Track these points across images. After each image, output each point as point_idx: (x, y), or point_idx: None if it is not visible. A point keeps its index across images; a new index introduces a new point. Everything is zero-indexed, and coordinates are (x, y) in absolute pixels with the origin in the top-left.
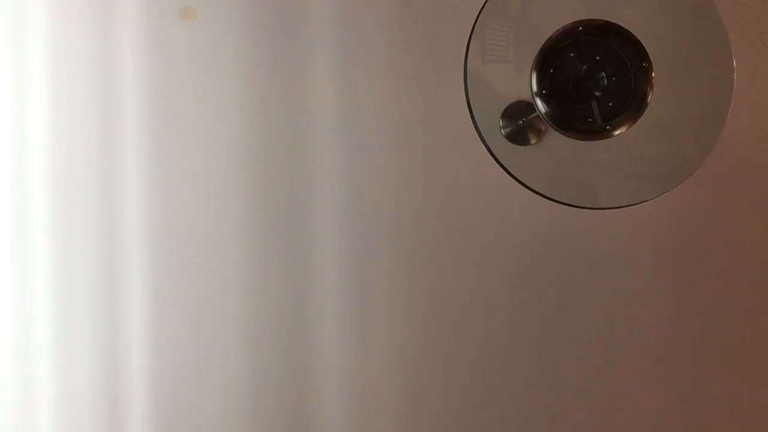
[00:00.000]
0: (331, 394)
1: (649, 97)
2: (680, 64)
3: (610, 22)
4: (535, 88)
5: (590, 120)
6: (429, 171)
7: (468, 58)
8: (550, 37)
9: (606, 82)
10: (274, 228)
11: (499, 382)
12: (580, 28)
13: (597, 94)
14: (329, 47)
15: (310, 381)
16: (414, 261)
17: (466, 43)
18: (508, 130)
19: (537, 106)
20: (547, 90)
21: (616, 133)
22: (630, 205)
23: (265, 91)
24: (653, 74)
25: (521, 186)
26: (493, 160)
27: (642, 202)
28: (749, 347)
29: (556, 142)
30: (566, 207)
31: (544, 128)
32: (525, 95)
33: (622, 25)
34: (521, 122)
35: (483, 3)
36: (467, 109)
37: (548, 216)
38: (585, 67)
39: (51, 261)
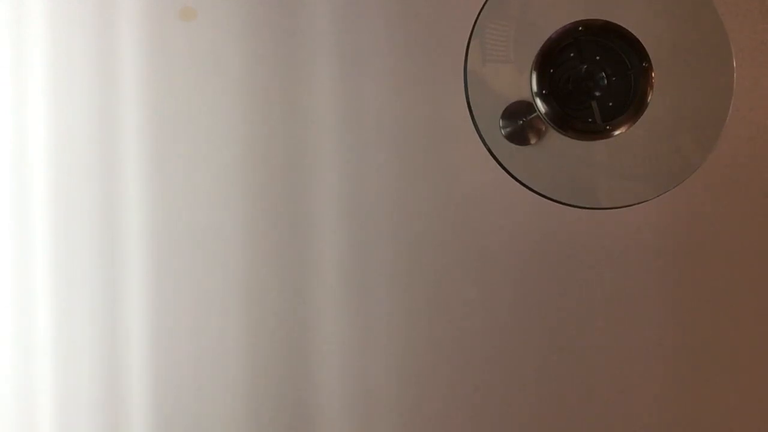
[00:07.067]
0: (332, 394)
1: (649, 97)
2: (680, 64)
3: (610, 22)
4: (535, 88)
5: (590, 120)
6: (429, 171)
7: (468, 58)
8: (550, 37)
9: (606, 82)
10: (275, 227)
11: (499, 382)
12: (580, 28)
13: (597, 94)
14: (329, 47)
15: (310, 381)
16: (414, 261)
17: (466, 43)
18: (508, 130)
19: (537, 106)
20: (547, 90)
21: (616, 133)
22: (630, 205)
23: (265, 91)
24: (653, 74)
25: (521, 186)
26: (493, 160)
27: (642, 202)
28: (749, 347)
29: (556, 142)
30: (566, 207)
31: (544, 128)
32: (525, 95)
33: (622, 25)
34: (521, 122)
35: (483, 3)
36: (467, 109)
37: (548, 216)
38: (585, 67)
39: (51, 261)
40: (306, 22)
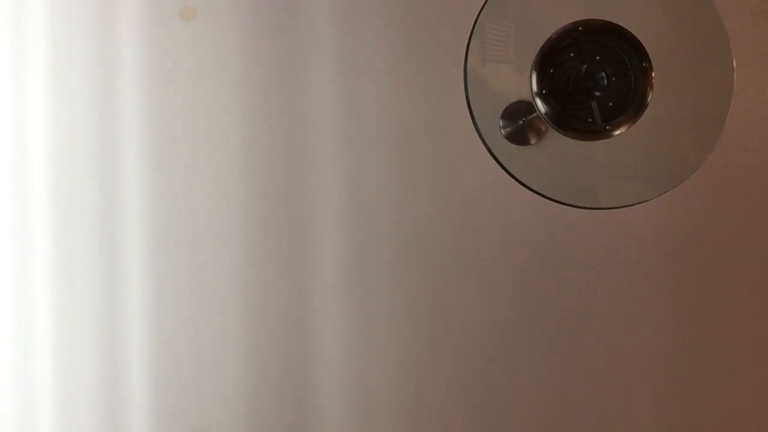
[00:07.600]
0: (332, 394)
1: (649, 97)
2: (680, 64)
3: (610, 22)
4: (535, 88)
5: (590, 120)
6: (429, 171)
7: (468, 58)
8: (550, 37)
9: (606, 82)
10: (275, 227)
11: (499, 382)
12: (580, 28)
13: (597, 94)
14: (329, 47)
15: (310, 381)
16: (414, 261)
17: (466, 43)
18: (508, 130)
19: (537, 106)
20: (547, 90)
21: (616, 133)
22: (630, 205)
23: (265, 91)
24: (653, 74)
25: (521, 186)
26: (493, 160)
27: (642, 202)
28: (749, 347)
29: (556, 142)
30: (566, 207)
31: (544, 128)
32: (525, 95)
33: (622, 25)
34: (521, 122)
35: (483, 3)
36: (467, 109)
37: (548, 216)
38: (585, 67)
39: (51, 261)
40: (306, 22)
